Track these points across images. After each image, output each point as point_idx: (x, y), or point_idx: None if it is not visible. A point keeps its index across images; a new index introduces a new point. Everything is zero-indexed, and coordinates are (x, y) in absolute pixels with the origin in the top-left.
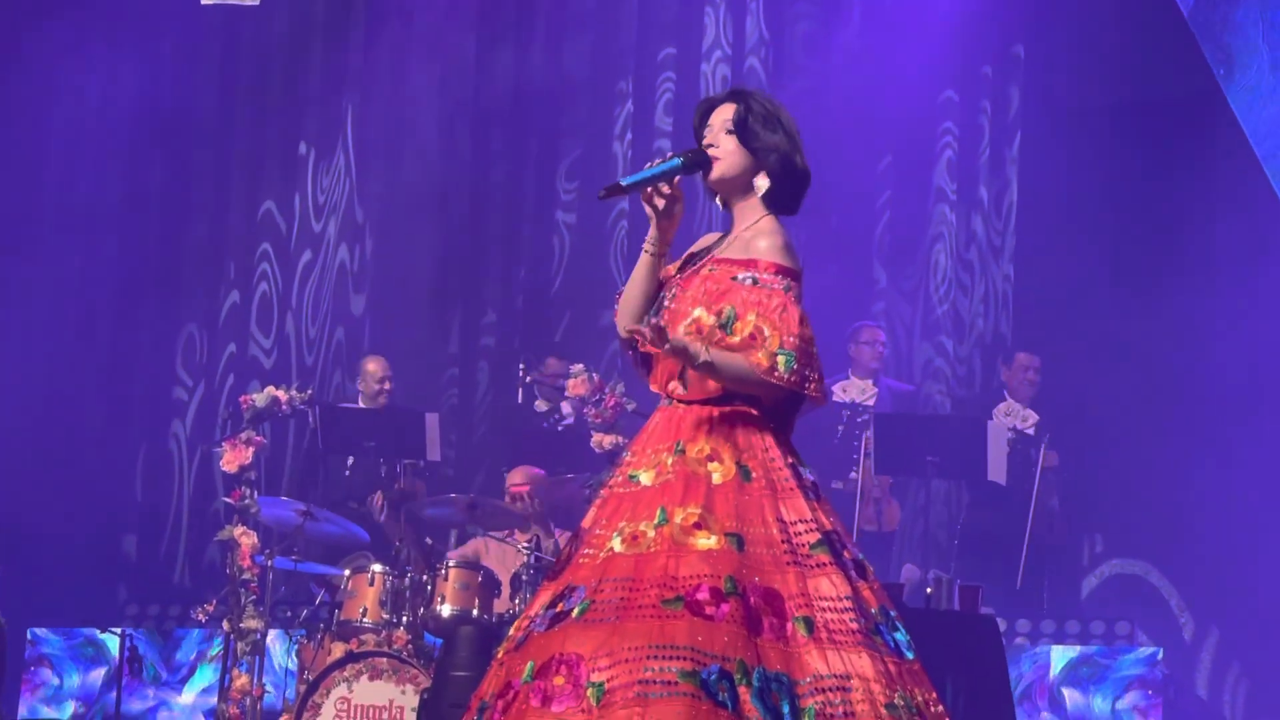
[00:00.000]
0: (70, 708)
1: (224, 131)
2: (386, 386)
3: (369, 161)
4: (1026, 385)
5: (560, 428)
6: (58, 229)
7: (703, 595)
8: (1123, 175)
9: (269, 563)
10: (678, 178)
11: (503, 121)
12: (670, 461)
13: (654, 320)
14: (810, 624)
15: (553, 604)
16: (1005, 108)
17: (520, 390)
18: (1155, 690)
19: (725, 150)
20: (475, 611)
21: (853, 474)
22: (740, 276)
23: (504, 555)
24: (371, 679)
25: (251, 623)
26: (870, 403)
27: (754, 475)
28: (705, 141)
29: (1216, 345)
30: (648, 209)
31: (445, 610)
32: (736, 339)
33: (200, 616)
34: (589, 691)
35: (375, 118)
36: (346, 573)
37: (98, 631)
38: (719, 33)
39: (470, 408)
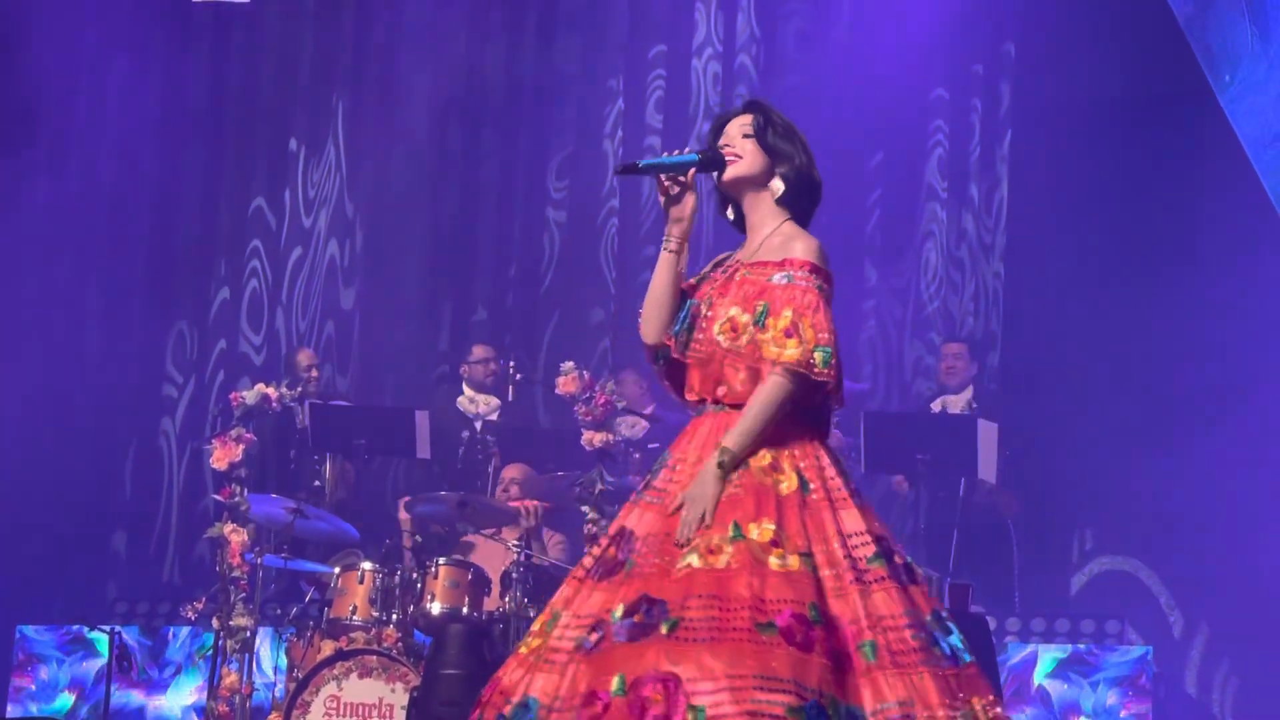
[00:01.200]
0: (65, 698)
1: (214, 128)
2: (314, 374)
3: (359, 158)
4: (950, 374)
5: (479, 425)
6: (47, 226)
7: (791, 622)
8: (1113, 173)
9: (258, 560)
10: (692, 172)
11: (493, 118)
12: (735, 475)
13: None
14: (875, 649)
15: (629, 613)
16: (996, 106)
17: (511, 388)
18: (1145, 689)
19: (744, 151)
20: (465, 609)
21: None
22: (775, 276)
23: (494, 553)
24: (361, 677)
25: (241, 620)
26: None
27: (812, 486)
28: (722, 143)
29: (1206, 342)
30: (661, 198)
31: (435, 608)
32: (770, 334)
33: (190, 614)
34: (690, 715)
35: (365, 114)
36: (336, 570)
37: (87, 629)
38: (710, 30)
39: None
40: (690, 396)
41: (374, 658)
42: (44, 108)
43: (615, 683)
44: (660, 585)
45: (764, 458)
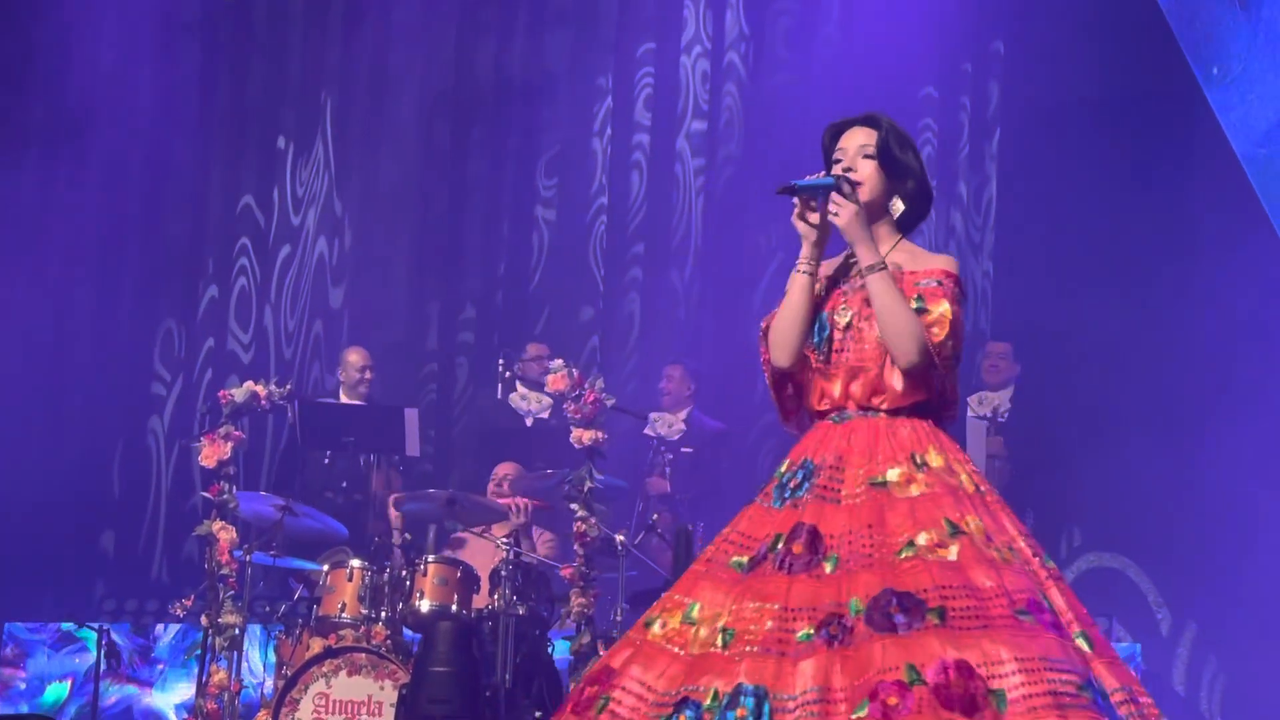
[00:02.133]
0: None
1: (202, 125)
2: (367, 376)
3: (348, 156)
4: (992, 372)
5: (529, 423)
6: (36, 223)
7: (1037, 609)
8: (1102, 171)
9: (247, 558)
10: (830, 196)
11: (482, 116)
12: (920, 474)
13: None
14: (1088, 639)
15: (877, 605)
16: (985, 104)
17: (500, 385)
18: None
19: (865, 175)
20: (454, 607)
21: None
22: (924, 281)
23: (483, 551)
24: (350, 674)
25: (229, 618)
26: None
27: (983, 489)
28: (843, 165)
29: (1195, 340)
30: (800, 225)
31: (424, 606)
32: (931, 317)
33: (178, 612)
34: (992, 700)
35: (354, 111)
36: (325, 568)
37: (75, 627)
38: (699, 27)
39: (449, 403)
40: (823, 405)
41: (363, 655)
42: (33, 107)
43: (907, 672)
44: (895, 578)
45: (936, 459)
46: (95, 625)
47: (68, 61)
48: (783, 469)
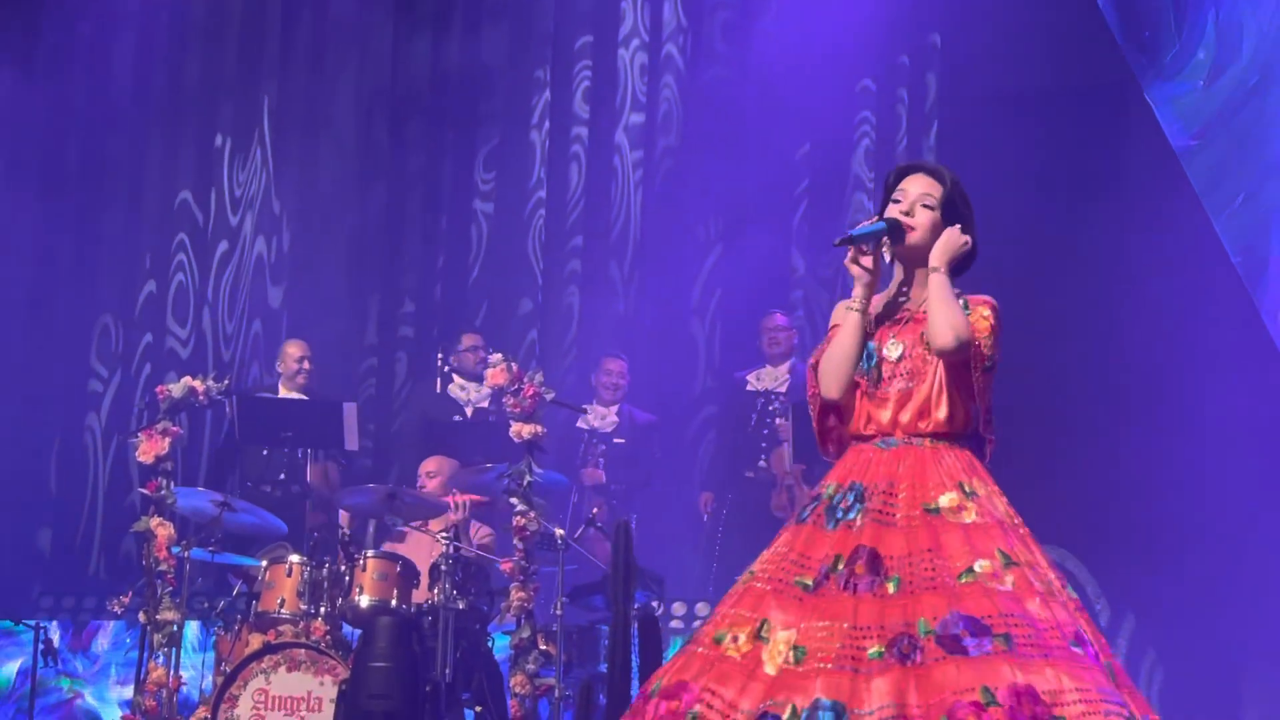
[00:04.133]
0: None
1: (140, 122)
2: (305, 367)
3: (285, 152)
4: (776, 344)
5: (469, 413)
6: None
7: (1083, 642)
8: (1039, 165)
9: (185, 554)
10: (884, 240)
11: (420, 110)
12: (971, 503)
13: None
14: (1112, 670)
15: (947, 628)
16: (922, 97)
17: (439, 379)
18: None
19: (920, 223)
20: (394, 602)
21: (761, 462)
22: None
23: (423, 546)
24: (289, 670)
25: (168, 614)
26: (784, 390)
27: (1017, 521)
28: (901, 209)
29: (1134, 331)
30: (853, 269)
31: (363, 601)
32: (974, 316)
33: (116, 608)
34: None
35: (292, 108)
36: (264, 564)
37: (12, 624)
38: (637, 20)
39: (388, 398)
40: (869, 430)
41: (302, 651)
42: None
43: (982, 694)
44: (959, 601)
45: (981, 489)
46: (32, 623)
47: (4, 58)
48: (830, 491)
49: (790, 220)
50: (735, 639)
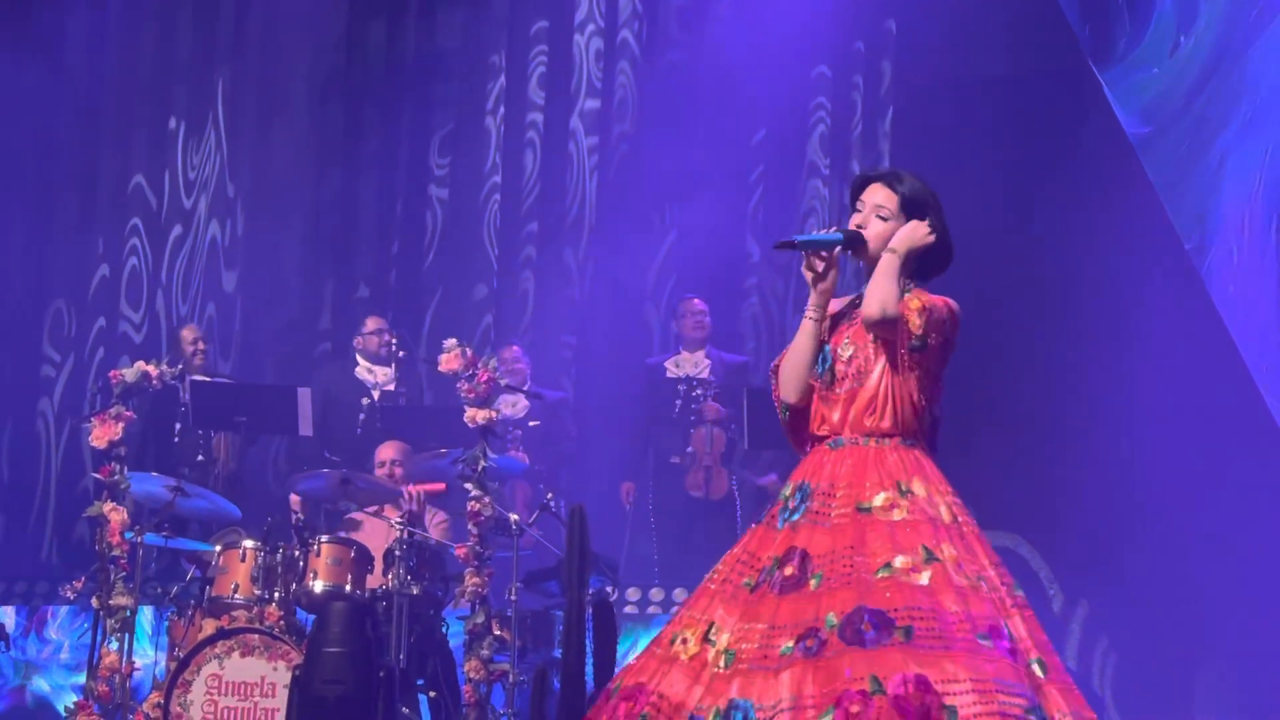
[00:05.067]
0: None
1: (93, 106)
2: (201, 347)
3: (239, 136)
4: (699, 329)
5: (376, 395)
6: None
7: (996, 635)
8: (995, 152)
9: (139, 539)
10: (837, 250)
11: (374, 95)
12: (904, 501)
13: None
14: (1044, 666)
15: (850, 621)
16: (878, 83)
17: (394, 365)
18: None
19: (873, 234)
20: (348, 587)
21: (689, 449)
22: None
23: (377, 531)
24: (243, 655)
25: (121, 599)
26: (705, 375)
27: (960, 519)
28: (856, 222)
29: (1087, 321)
30: (808, 274)
31: (318, 586)
32: (911, 297)
33: (69, 594)
34: (945, 715)
35: (246, 91)
36: (218, 549)
37: None
38: (592, 6)
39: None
40: (822, 430)
41: (256, 636)
42: None
43: (870, 683)
44: (869, 596)
45: (920, 488)
46: None
47: None
48: (787, 491)
49: (745, 206)
50: (685, 641)
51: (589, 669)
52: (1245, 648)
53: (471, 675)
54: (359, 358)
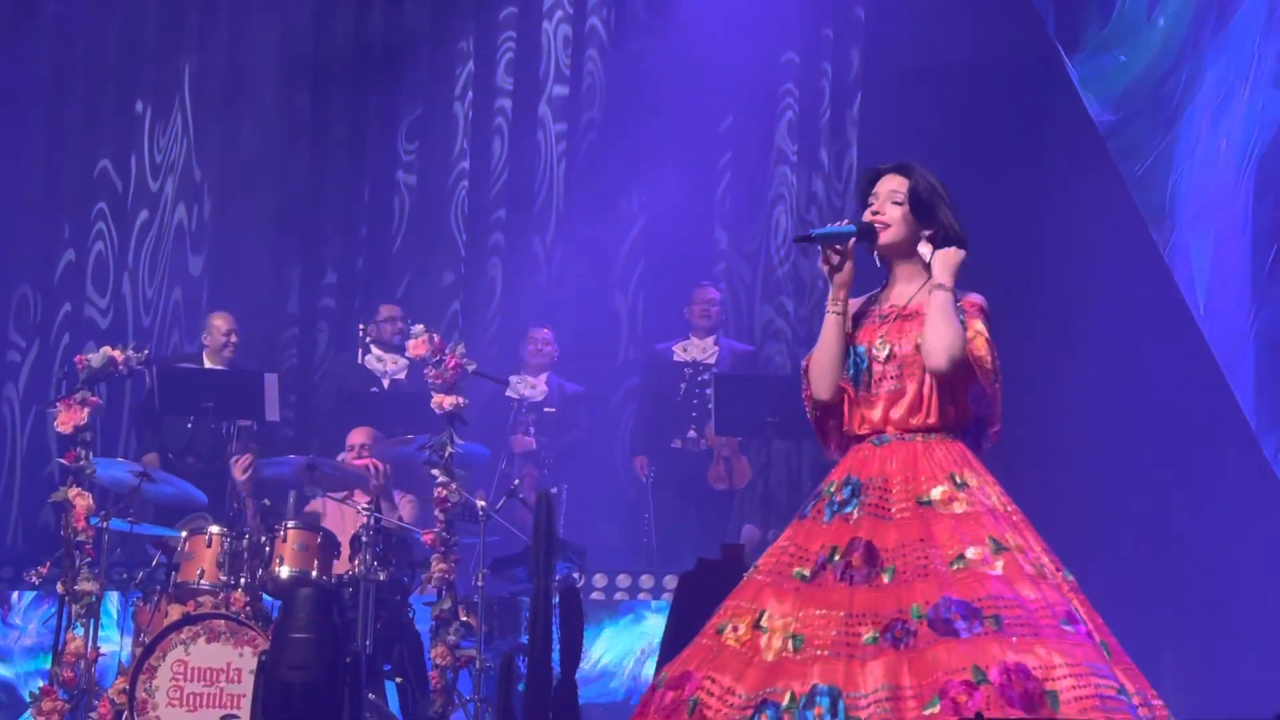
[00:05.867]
0: None
1: (59, 89)
2: (233, 340)
3: (207, 121)
4: (707, 317)
5: (386, 384)
6: None
7: (1073, 620)
8: (962, 139)
9: (104, 524)
10: (851, 241)
11: (342, 80)
12: (961, 494)
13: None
14: (1108, 648)
15: (939, 611)
16: (846, 70)
17: (360, 350)
18: None
19: (892, 219)
20: (314, 573)
21: (690, 432)
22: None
23: (343, 517)
24: (209, 641)
25: (86, 585)
26: (711, 361)
27: (1010, 509)
28: (872, 209)
29: (1054, 306)
30: (825, 268)
31: (284, 572)
32: (970, 332)
33: (34, 579)
34: (1047, 699)
35: (213, 76)
36: (183, 534)
37: None
38: None
39: (310, 368)
40: (863, 429)
41: (222, 622)
42: None
43: (973, 673)
44: (951, 587)
45: (972, 479)
46: None
47: None
48: (831, 488)
49: (714, 193)
50: (735, 629)
51: (555, 655)
52: (1209, 637)
53: (438, 661)
54: (372, 345)
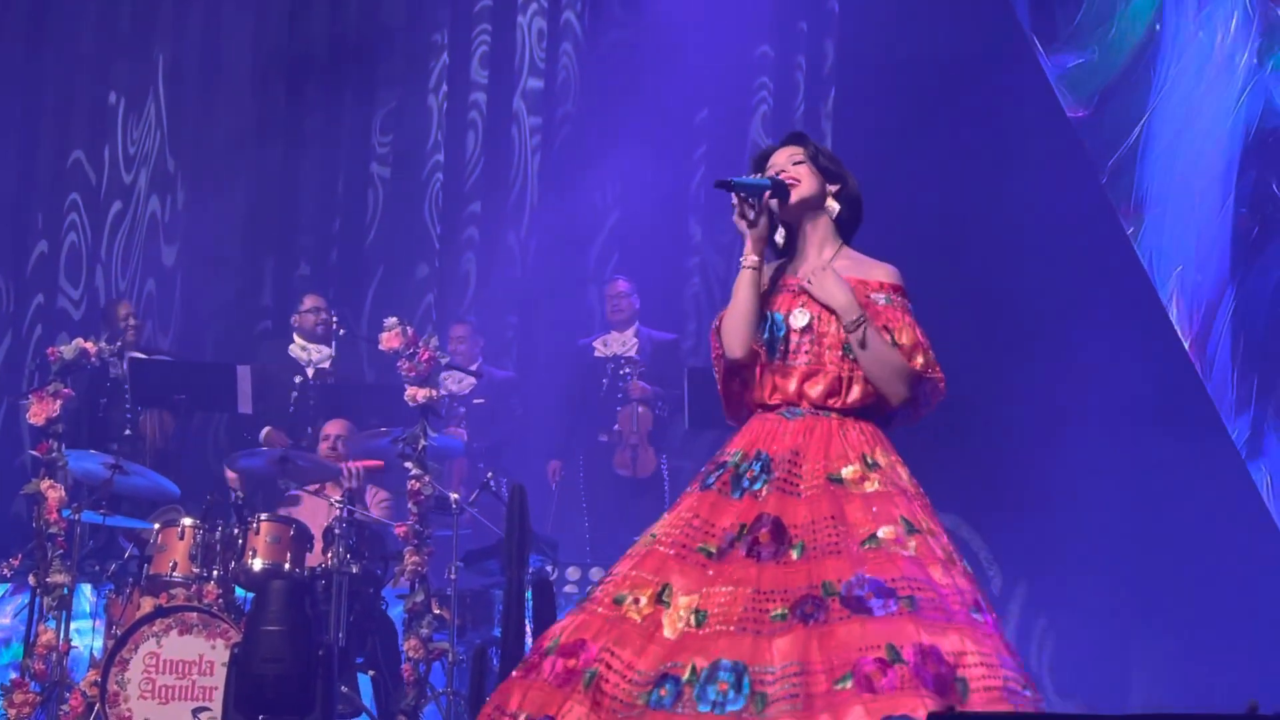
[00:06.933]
0: None
1: (32, 80)
2: (132, 322)
3: (180, 112)
4: (619, 311)
5: (310, 374)
6: None
7: (980, 609)
8: (936, 132)
9: (76, 516)
10: (767, 195)
11: (317, 71)
12: (873, 473)
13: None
14: (994, 625)
15: (852, 589)
16: (820, 62)
17: (334, 343)
18: None
19: (801, 174)
20: (287, 565)
21: (616, 426)
22: (874, 295)
23: (316, 509)
24: (181, 634)
25: (58, 577)
26: (633, 353)
27: (919, 490)
28: (776, 170)
29: (1027, 295)
30: (740, 223)
31: (256, 564)
32: (905, 346)
33: (5, 571)
34: (957, 686)
35: (187, 67)
36: (156, 526)
37: None
38: None
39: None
40: (774, 399)
41: (194, 614)
42: None
43: (888, 651)
44: (864, 564)
45: (882, 459)
46: None
47: None
48: (736, 459)
49: (688, 186)
50: (636, 601)
51: (528, 648)
52: (1182, 627)
53: (411, 654)
54: (295, 335)
